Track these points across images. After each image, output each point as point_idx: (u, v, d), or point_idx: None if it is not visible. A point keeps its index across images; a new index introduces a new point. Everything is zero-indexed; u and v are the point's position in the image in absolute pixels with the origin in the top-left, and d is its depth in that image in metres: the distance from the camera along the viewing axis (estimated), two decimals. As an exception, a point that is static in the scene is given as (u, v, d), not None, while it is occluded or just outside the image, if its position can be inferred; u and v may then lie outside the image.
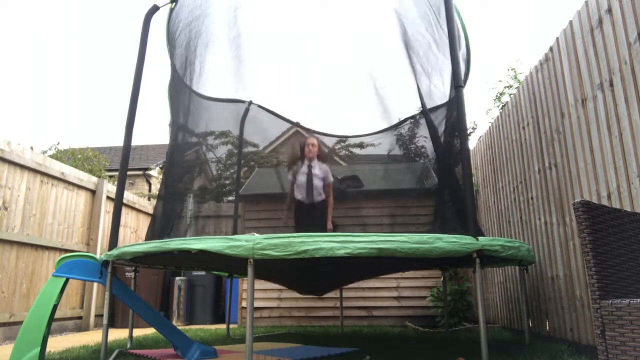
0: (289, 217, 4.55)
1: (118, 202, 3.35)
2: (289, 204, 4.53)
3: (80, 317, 5.58)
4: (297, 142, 4.69)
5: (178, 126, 4.30)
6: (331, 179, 4.53)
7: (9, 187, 4.46)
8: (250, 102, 5.48)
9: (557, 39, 3.11)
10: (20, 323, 4.22)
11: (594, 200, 2.61)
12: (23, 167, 4.65)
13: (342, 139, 6.18)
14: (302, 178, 4.43)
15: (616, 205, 2.39)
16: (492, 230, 4.69)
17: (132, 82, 3.52)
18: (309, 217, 4.38)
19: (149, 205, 7.42)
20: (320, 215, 4.38)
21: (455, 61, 2.97)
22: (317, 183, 4.43)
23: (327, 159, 4.70)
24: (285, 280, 4.46)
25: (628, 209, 2.28)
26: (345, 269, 3.59)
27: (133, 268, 3.72)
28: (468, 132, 3.12)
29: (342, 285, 4.85)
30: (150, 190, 12.70)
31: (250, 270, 2.36)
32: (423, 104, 4.13)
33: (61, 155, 10.83)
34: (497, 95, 12.20)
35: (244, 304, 5.53)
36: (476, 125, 11.03)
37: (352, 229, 5.23)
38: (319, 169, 4.46)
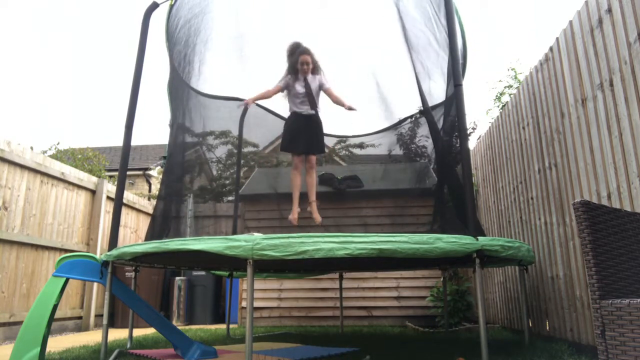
0: (287, 133, 4.60)
1: (118, 202, 3.35)
2: (290, 122, 4.61)
3: (80, 317, 5.58)
4: (290, 61, 4.64)
5: (177, 125, 4.30)
6: (327, 84, 4.61)
7: (9, 187, 4.46)
8: (250, 100, 5.46)
9: (557, 39, 3.11)
10: (20, 323, 4.22)
11: (594, 200, 2.61)
12: (23, 167, 4.65)
13: (342, 138, 6.18)
14: (299, 90, 4.52)
15: (616, 205, 2.39)
16: (492, 230, 4.69)
17: (131, 81, 3.52)
18: (307, 130, 4.52)
19: (149, 205, 7.42)
20: (316, 127, 4.56)
21: (455, 59, 2.96)
22: (315, 94, 4.55)
23: (319, 70, 4.71)
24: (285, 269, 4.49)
25: (628, 209, 2.28)
26: (346, 262, 3.60)
27: (133, 268, 3.72)
28: (468, 131, 3.12)
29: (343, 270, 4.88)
30: (150, 190, 12.70)
31: (249, 270, 2.36)
32: (424, 102, 4.11)
33: (61, 155, 10.83)
34: (497, 95, 12.21)
35: (244, 304, 5.53)
36: (476, 125, 11.02)
37: (353, 229, 5.23)
38: (315, 80, 4.57)
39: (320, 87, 4.59)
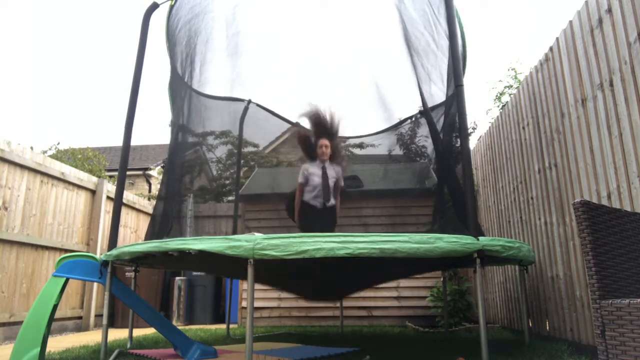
0: (299, 221, 4.27)
1: (118, 202, 3.35)
2: (299, 208, 4.22)
3: (80, 317, 5.58)
4: (308, 142, 4.35)
5: (178, 125, 4.29)
6: (342, 182, 4.36)
7: (9, 187, 4.46)
8: (250, 101, 5.47)
9: (557, 39, 3.11)
10: (20, 323, 4.21)
11: (594, 200, 2.61)
12: (23, 167, 4.64)
13: (343, 139, 6.18)
14: (315, 180, 4.20)
15: (616, 205, 2.39)
16: (492, 230, 4.69)
17: (131, 81, 3.52)
18: (320, 221, 4.12)
19: (149, 205, 7.42)
20: (331, 220, 4.19)
21: (456, 59, 2.96)
22: (331, 185, 4.21)
23: (340, 159, 4.40)
24: (286, 284, 4.37)
25: (628, 209, 2.28)
26: (347, 272, 3.52)
27: (133, 268, 3.72)
28: (468, 131, 3.12)
29: (345, 294, 4.72)
30: (150, 190, 12.71)
31: (250, 270, 2.36)
32: (424, 103, 4.11)
33: (61, 155, 10.82)
34: (497, 95, 12.23)
35: (244, 304, 5.53)
36: (476, 125, 11.05)
37: (353, 229, 5.23)
38: (333, 170, 4.26)
39: (337, 179, 4.20)
